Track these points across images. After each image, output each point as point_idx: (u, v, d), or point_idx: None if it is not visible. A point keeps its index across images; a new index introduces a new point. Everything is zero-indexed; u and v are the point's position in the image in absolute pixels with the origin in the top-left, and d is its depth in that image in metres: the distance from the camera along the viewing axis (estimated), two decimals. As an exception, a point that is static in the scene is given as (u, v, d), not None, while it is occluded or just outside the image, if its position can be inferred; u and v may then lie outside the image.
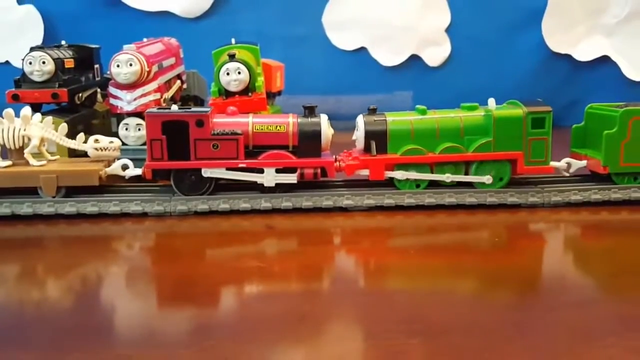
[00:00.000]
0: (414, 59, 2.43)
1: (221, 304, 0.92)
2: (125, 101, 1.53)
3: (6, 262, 1.09)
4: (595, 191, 1.32)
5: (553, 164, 1.34)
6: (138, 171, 1.32)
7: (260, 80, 1.59)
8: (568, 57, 2.41)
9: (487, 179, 1.31)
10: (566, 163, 1.38)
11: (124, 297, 0.95)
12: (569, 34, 2.39)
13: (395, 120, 1.33)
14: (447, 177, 1.31)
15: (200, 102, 2.03)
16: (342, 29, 2.42)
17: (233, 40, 1.69)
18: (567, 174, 1.39)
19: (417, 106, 1.36)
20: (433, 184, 1.34)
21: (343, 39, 2.43)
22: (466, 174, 1.32)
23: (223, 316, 0.87)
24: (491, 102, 1.34)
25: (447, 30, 2.41)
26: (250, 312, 0.87)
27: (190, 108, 1.34)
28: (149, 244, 1.19)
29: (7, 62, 2.34)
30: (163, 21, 2.35)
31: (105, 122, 1.73)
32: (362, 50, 2.44)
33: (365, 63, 2.44)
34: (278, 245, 1.16)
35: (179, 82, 1.81)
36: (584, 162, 1.37)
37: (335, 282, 1.00)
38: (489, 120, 1.30)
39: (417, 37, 2.40)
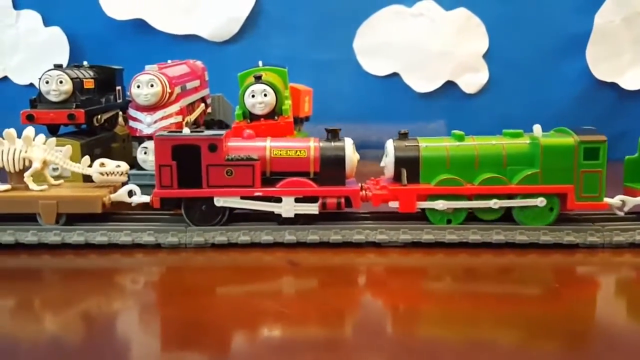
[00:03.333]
0: (450, 85, 2.33)
1: (232, 353, 0.81)
2: (145, 124, 1.45)
3: (3, 296, 1.01)
4: (665, 230, 1.18)
5: (607, 200, 1.21)
6: (145, 198, 1.22)
7: (288, 104, 1.50)
8: (614, 86, 2.29)
9: (540, 201, 1.18)
10: (620, 200, 1.24)
11: (126, 340, 0.87)
12: (615, 62, 2.27)
13: (429, 146, 1.22)
14: (495, 204, 1.19)
15: (225, 126, 1.95)
16: (374, 54, 2.33)
17: (260, 63, 1.61)
18: (622, 213, 1.25)
19: (454, 131, 1.25)
20: (471, 219, 1.21)
21: (375, 64, 2.34)
22: (508, 210, 1.20)
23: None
24: (537, 128, 1.22)
25: (485, 56, 2.31)
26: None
27: (202, 131, 1.24)
28: (160, 280, 1.10)
29: (31, 85, 2.31)
30: (191, 45, 2.30)
31: (126, 146, 1.66)
32: (395, 76, 2.35)
33: (397, 89, 2.35)
34: (301, 285, 1.06)
35: (202, 105, 1.73)
36: (639, 199, 1.23)
37: (365, 330, 0.88)
38: (535, 149, 1.18)
39: (453, 63, 2.30)
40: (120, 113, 1.70)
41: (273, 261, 1.14)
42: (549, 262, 1.14)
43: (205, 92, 1.78)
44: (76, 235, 1.18)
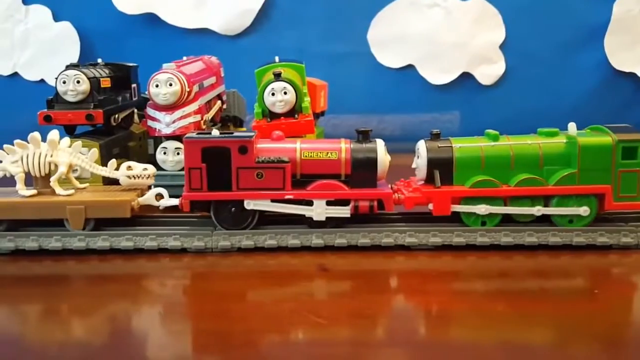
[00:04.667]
0: (465, 77, 2.29)
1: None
2: (163, 123, 1.42)
3: (29, 302, 0.99)
4: (703, 230, 1.14)
5: (643, 199, 1.18)
6: (173, 201, 1.19)
7: (307, 101, 1.47)
8: (632, 76, 2.25)
9: (583, 210, 1.15)
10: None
11: (153, 346, 0.86)
12: (634, 51, 2.23)
13: (463, 147, 1.18)
14: (538, 211, 1.16)
15: (239, 122, 1.92)
16: (389, 45, 2.29)
17: (277, 59, 1.58)
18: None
19: (488, 130, 1.21)
20: (505, 220, 1.18)
21: (389, 56, 2.30)
22: (543, 210, 1.17)
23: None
24: (572, 127, 1.19)
25: (502, 46, 2.26)
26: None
27: (232, 132, 1.21)
28: (186, 285, 1.08)
29: (42, 81, 2.27)
30: (202, 39, 2.26)
31: (142, 144, 1.64)
32: (410, 68, 2.31)
33: (412, 81, 2.31)
34: (331, 290, 1.03)
35: (219, 102, 1.70)
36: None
37: (399, 336, 0.87)
38: (572, 149, 1.15)
39: (469, 54, 2.26)
40: (136, 111, 1.67)
41: (300, 265, 1.11)
42: (582, 263, 1.12)
43: (221, 88, 1.75)
44: (101, 241, 1.15)
